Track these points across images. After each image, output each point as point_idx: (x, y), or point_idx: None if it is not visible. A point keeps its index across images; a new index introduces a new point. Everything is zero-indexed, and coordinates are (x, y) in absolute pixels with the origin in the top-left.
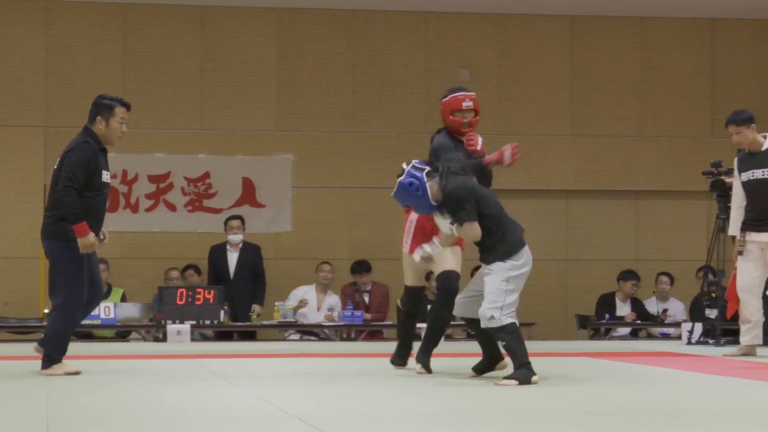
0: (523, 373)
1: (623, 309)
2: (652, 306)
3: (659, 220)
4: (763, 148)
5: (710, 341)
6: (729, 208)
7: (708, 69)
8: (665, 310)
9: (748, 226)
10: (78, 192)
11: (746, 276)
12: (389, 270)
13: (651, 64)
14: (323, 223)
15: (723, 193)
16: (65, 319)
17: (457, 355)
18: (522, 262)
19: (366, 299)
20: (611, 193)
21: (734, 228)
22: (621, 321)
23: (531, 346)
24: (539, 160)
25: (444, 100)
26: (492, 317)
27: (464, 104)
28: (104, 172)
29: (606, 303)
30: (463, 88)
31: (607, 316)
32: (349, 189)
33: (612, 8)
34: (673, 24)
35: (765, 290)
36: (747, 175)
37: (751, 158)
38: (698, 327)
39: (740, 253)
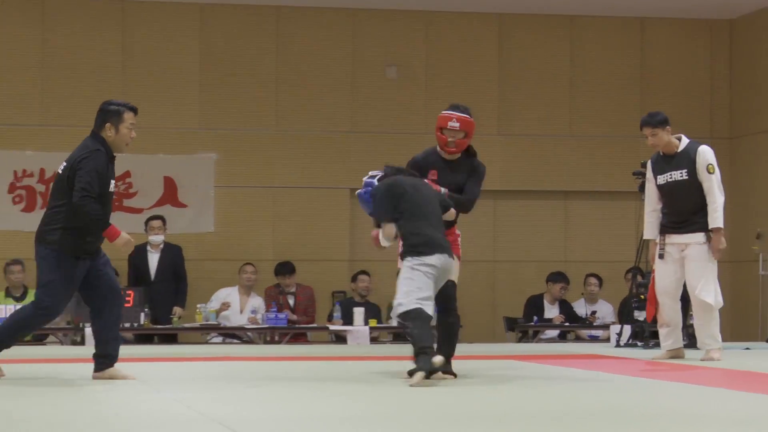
0: (423, 360)
1: (551, 311)
2: (581, 308)
3: (588, 220)
4: (678, 150)
5: (639, 344)
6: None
7: (637, 68)
8: (594, 312)
9: (667, 228)
10: (95, 199)
11: (664, 279)
12: (314, 272)
13: (580, 63)
14: (246, 224)
15: None
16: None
17: (389, 358)
18: (430, 260)
19: (291, 301)
20: (540, 193)
21: (650, 231)
22: (549, 323)
23: (458, 348)
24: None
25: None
26: (399, 303)
27: (449, 124)
28: (112, 183)
29: (534, 305)
30: (461, 106)
31: (535, 318)
32: (272, 189)
33: (541, 7)
34: (602, 23)
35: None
36: (664, 178)
37: (667, 160)
38: (627, 329)
39: (661, 256)
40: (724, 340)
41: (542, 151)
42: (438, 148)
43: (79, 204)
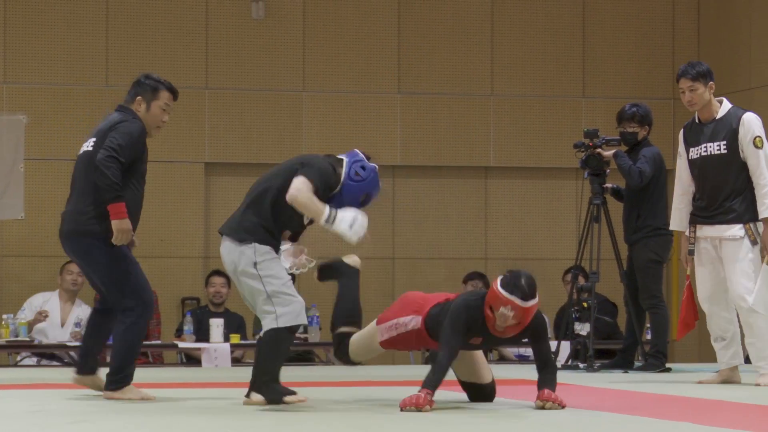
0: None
1: None
2: None
3: (514, 206)
4: (717, 117)
5: (581, 365)
6: (605, 189)
7: (578, 15)
8: None
9: (697, 217)
10: (121, 165)
11: (707, 283)
12: (157, 272)
13: (504, 7)
14: None
15: (598, 170)
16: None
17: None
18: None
19: None
20: (451, 170)
21: (677, 221)
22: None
23: (350, 372)
24: (363, 124)
25: None
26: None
27: (501, 309)
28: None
29: None
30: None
31: None
32: None
33: None
34: None
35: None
36: (697, 151)
37: (702, 130)
38: (565, 346)
39: (691, 252)
40: None
41: (453, 116)
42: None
43: (101, 162)
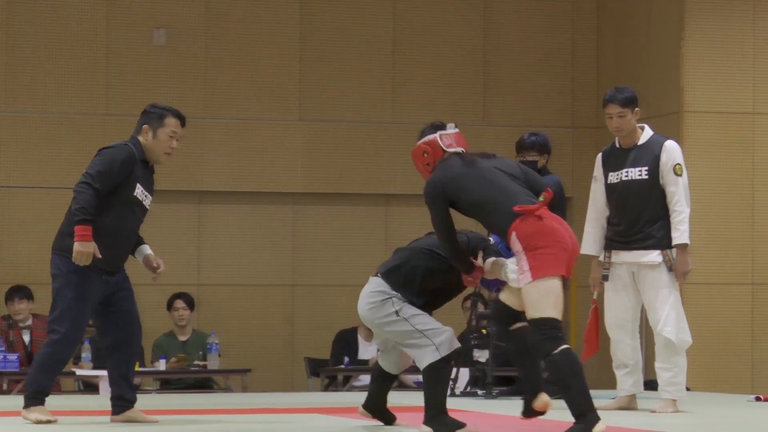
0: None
1: (368, 350)
2: None
3: (416, 233)
4: (639, 143)
5: (480, 392)
6: None
7: (479, 42)
8: None
9: (614, 243)
10: (96, 192)
11: (616, 310)
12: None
13: (405, 32)
14: None
15: None
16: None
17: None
18: None
19: (26, 338)
20: (353, 197)
21: (590, 245)
22: (365, 366)
23: (246, 399)
24: (264, 150)
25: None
26: None
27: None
28: (139, 187)
29: (345, 342)
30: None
31: (346, 359)
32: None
33: None
34: None
35: None
36: (618, 176)
37: (624, 155)
38: (464, 373)
39: (605, 278)
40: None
41: (351, 143)
42: None
43: (75, 187)
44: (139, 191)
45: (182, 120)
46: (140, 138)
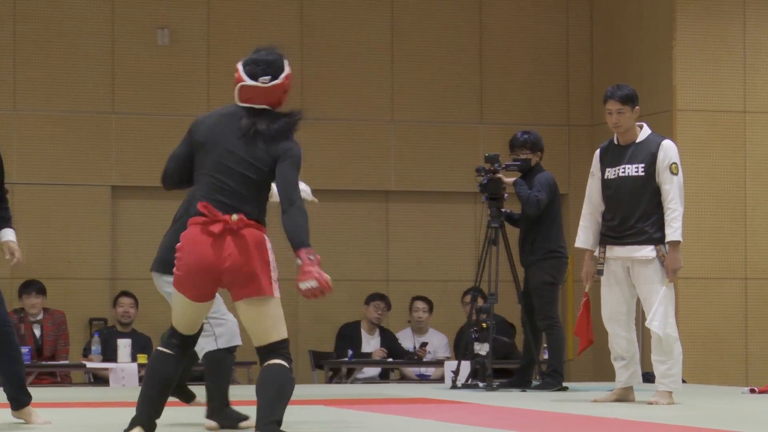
0: None
1: (371, 343)
2: (407, 339)
3: (414, 228)
4: (637, 141)
5: (480, 384)
6: (503, 213)
7: (476, 42)
8: (423, 345)
9: (607, 238)
10: None
11: (611, 303)
12: (68, 291)
13: (402, 33)
14: None
15: (496, 194)
16: None
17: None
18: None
19: (37, 331)
20: (353, 193)
21: (585, 238)
22: (368, 359)
23: (251, 391)
24: None
25: None
26: None
27: None
28: None
29: (348, 336)
30: None
31: (350, 352)
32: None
33: None
34: None
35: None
36: (614, 171)
37: (621, 151)
38: (465, 366)
39: (600, 272)
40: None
41: (350, 140)
42: None
43: None
44: None
45: None
46: None
